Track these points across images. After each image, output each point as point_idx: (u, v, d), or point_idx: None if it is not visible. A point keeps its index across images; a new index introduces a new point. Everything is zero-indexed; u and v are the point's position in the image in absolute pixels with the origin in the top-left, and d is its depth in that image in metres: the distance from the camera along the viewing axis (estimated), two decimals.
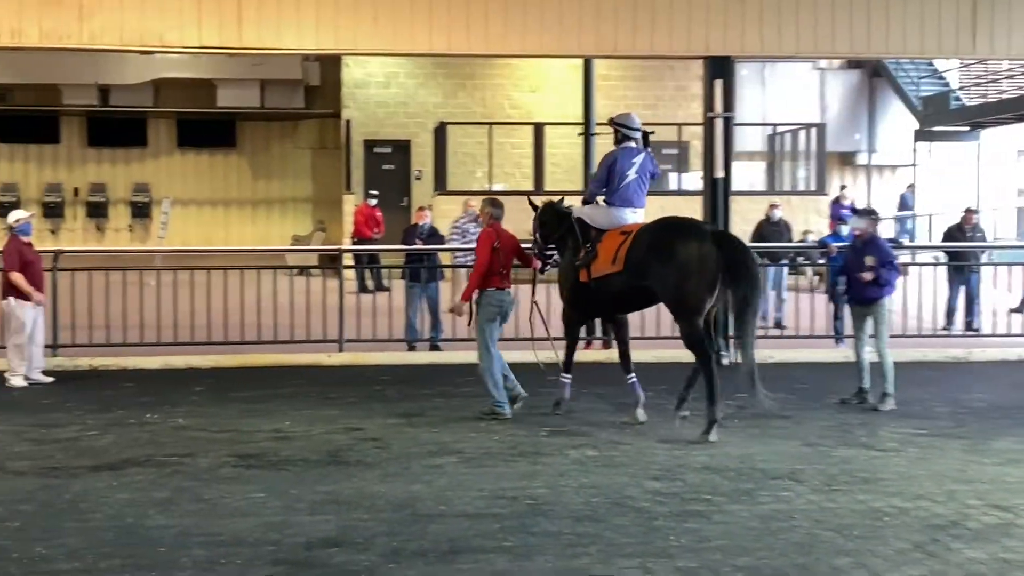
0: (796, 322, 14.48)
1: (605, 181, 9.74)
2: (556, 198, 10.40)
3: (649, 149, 10.00)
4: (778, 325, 16.02)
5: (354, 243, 20.82)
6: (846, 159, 28.94)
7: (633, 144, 9.87)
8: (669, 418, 9.53)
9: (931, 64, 27.27)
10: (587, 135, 20.15)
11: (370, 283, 19.18)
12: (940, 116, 27.11)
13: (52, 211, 27.97)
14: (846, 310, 11.45)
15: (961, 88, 27.65)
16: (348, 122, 25.72)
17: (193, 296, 13.57)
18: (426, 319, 14.00)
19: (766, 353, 13.61)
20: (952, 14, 13.93)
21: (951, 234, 16.59)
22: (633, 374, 9.83)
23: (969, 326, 15.77)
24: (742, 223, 20.30)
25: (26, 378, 11.54)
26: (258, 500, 6.98)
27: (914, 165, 28.64)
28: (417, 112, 25.78)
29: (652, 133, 10.13)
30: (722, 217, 13.81)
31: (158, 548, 6.02)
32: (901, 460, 8.23)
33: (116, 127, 28.51)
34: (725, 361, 13.33)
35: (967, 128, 27.85)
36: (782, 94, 27.21)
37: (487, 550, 5.97)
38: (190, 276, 13.85)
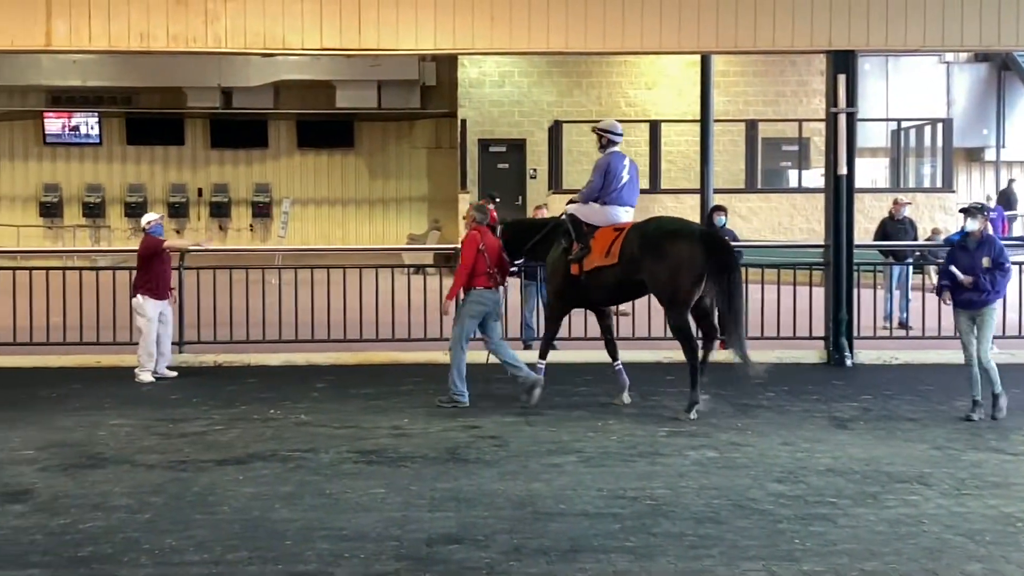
0: (922, 323, 14.10)
1: (602, 184, 10.35)
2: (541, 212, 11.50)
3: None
4: (903, 326, 15.63)
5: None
6: (973, 155, 28.10)
7: (618, 148, 10.55)
8: (788, 420, 9.37)
9: None
10: (705, 131, 19.94)
11: None
12: None
13: (177, 211, 28.83)
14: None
15: None
16: (463, 121, 25.94)
17: (313, 294, 13.82)
18: (542, 318, 13.99)
19: (890, 354, 13.33)
20: None
21: None
22: (619, 361, 10.49)
23: None
24: (865, 221, 19.90)
25: (153, 373, 11.92)
26: (379, 496, 7.08)
27: None
28: (532, 111, 25.87)
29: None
30: (845, 215, 13.52)
31: (283, 541, 6.16)
32: None
33: (238, 129, 29.24)
34: (849, 363, 13.09)
35: None
36: (907, 89, 26.54)
37: (608, 550, 5.96)
38: (310, 275, 14.11)
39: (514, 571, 5.65)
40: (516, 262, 11.05)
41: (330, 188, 29.36)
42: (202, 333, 13.42)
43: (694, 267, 9.69)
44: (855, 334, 13.36)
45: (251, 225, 29.25)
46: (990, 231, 9.89)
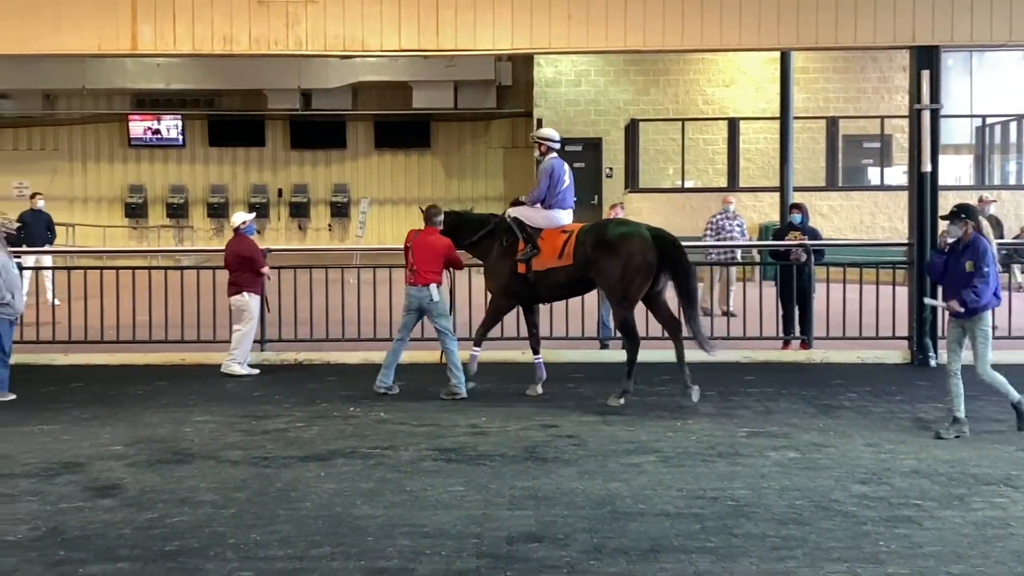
0: (1008, 322, 13.80)
1: (547, 188, 10.91)
2: (463, 207, 11.85)
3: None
4: None
5: None
6: None
7: (556, 154, 11.19)
8: (871, 421, 9.22)
9: None
10: (784, 129, 19.71)
11: None
12: None
13: (258, 211, 29.19)
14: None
15: None
16: (539, 121, 25.94)
17: (392, 293, 13.93)
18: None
19: (969, 355, 13.03)
20: None
21: None
22: (540, 356, 11.08)
23: None
24: None
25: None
26: (458, 493, 7.12)
27: None
28: (608, 109, 25.79)
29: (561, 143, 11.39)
30: (929, 212, 13.28)
31: (365, 537, 6.23)
32: None
33: (317, 130, 29.59)
34: (933, 363, 12.85)
35: None
36: (991, 84, 25.96)
37: (689, 550, 5.93)
38: (388, 273, 14.23)
39: (594, 570, 5.65)
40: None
41: (407, 188, 29.58)
42: (283, 331, 13.60)
43: (646, 265, 10.32)
44: (939, 334, 13.12)
45: (329, 225, 29.58)
46: (986, 233, 8.89)
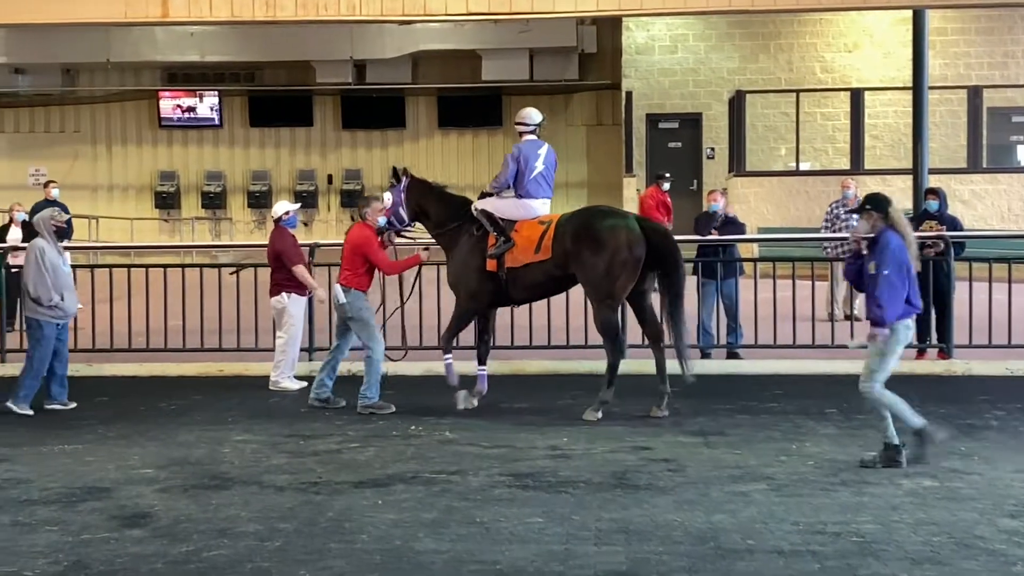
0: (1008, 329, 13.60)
1: (515, 174, 10.99)
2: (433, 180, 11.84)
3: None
4: None
5: None
6: None
7: (534, 136, 11.24)
8: (1022, 444, 9.06)
9: None
10: (918, 101, 19.44)
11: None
12: None
13: (305, 200, 29.46)
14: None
15: None
16: (629, 94, 25.91)
17: None
18: (722, 322, 13.89)
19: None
20: None
21: None
22: (486, 367, 11.22)
23: None
24: None
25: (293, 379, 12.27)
26: (536, 525, 7.12)
27: None
28: (709, 80, 25.66)
29: (543, 122, 11.49)
30: None
31: (429, 575, 6.26)
32: None
33: (372, 106, 29.81)
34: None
35: None
36: None
37: None
38: None
39: None
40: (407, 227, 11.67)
41: (475, 172, 29.68)
42: (333, 339, 13.66)
43: (633, 259, 10.49)
44: None
45: None
46: (898, 226, 8.48)
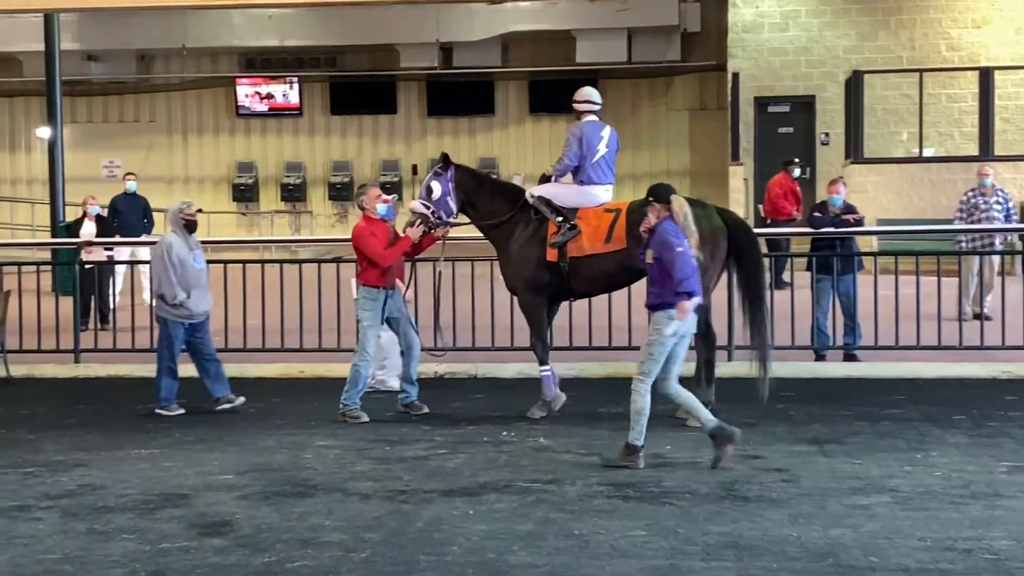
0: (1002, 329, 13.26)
1: (578, 156, 10.99)
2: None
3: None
4: None
5: (767, 225, 20.38)
6: None
7: (596, 118, 11.23)
8: None
9: None
10: None
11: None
12: None
13: (388, 193, 29.66)
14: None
15: None
16: (735, 76, 25.70)
17: None
18: (839, 321, 13.74)
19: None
20: None
21: None
22: (550, 367, 11.06)
23: None
24: None
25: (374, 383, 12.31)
26: (639, 539, 7.10)
27: None
28: (823, 59, 25.38)
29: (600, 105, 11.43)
30: None
31: None
32: None
33: (459, 92, 29.94)
34: None
35: None
36: None
37: None
38: None
39: None
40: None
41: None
42: (422, 338, 13.71)
43: (718, 249, 10.44)
44: None
45: None
46: (679, 217, 9.00)
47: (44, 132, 23.70)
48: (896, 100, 24.81)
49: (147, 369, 13.89)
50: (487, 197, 11.40)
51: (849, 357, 13.79)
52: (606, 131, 11.25)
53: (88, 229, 17.47)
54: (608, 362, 13.59)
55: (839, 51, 25.26)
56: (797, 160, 21.14)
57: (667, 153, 29.54)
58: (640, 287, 12.35)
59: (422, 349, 11.56)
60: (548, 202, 11.04)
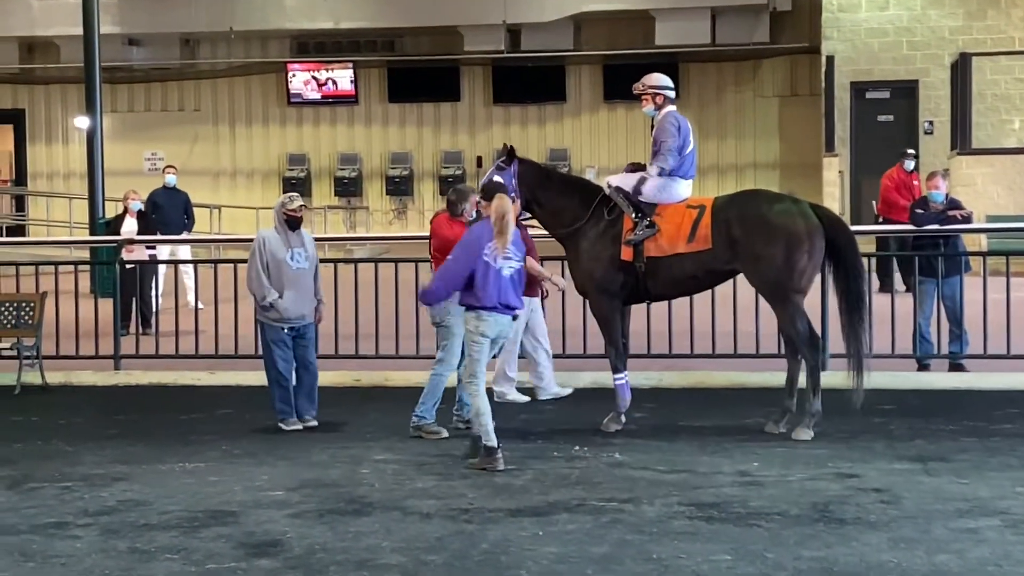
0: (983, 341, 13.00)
1: (677, 147, 10.99)
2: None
3: None
4: None
5: (878, 222, 20.09)
6: None
7: (674, 107, 11.32)
8: None
9: None
10: None
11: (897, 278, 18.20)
12: None
13: (450, 186, 29.58)
14: None
15: None
16: (830, 59, 25.56)
17: None
18: (943, 328, 13.61)
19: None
20: None
21: None
22: (624, 375, 11.07)
23: None
24: None
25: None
26: (724, 564, 7.08)
27: None
28: (927, 41, 25.19)
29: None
30: None
31: None
32: None
33: (528, 77, 29.96)
34: None
35: None
36: None
37: None
38: None
39: None
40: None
41: (647, 151, 29.56)
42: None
43: (815, 251, 10.49)
44: None
45: None
46: (501, 222, 9.69)
47: (82, 122, 24.02)
48: (1007, 85, 24.57)
49: (191, 377, 14.10)
50: (556, 196, 11.33)
51: (955, 367, 13.66)
52: (688, 122, 11.33)
53: (129, 226, 17.65)
54: (690, 371, 13.54)
55: (944, 32, 25.05)
56: (911, 151, 20.85)
57: (754, 143, 29.41)
58: (726, 289, 12.39)
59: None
60: (627, 195, 11.00)
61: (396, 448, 10.42)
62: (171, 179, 20.08)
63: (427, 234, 11.56)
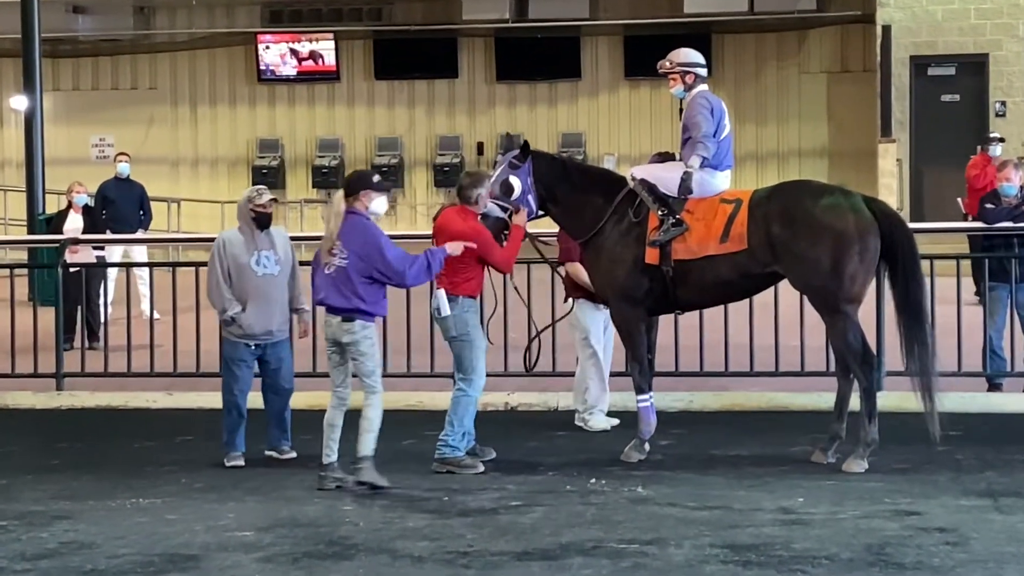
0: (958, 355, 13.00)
1: (712, 132, 11.06)
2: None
3: None
4: None
5: (964, 218, 20.01)
6: None
7: (705, 85, 11.45)
8: None
9: None
10: None
11: None
12: None
13: (446, 176, 29.75)
14: None
15: None
16: (886, 29, 25.58)
17: None
18: (1018, 341, 13.61)
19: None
20: None
21: None
22: (650, 396, 11.13)
23: None
24: None
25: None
26: None
27: None
28: (999, 8, 25.23)
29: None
30: None
31: None
32: None
33: (536, 51, 29.93)
34: None
35: None
36: None
37: None
38: None
39: None
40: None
41: (674, 137, 29.54)
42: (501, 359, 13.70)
43: (869, 251, 10.50)
44: None
45: None
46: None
47: (19, 102, 24.05)
48: None
49: (146, 398, 14.09)
50: (575, 192, 11.29)
51: None
52: (723, 105, 11.31)
53: (74, 223, 17.63)
54: (724, 392, 13.54)
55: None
56: (997, 135, 20.73)
57: (799, 126, 29.38)
58: (766, 296, 12.39)
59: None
60: (652, 188, 10.99)
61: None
62: (123, 168, 20.05)
63: (421, 233, 11.59)
